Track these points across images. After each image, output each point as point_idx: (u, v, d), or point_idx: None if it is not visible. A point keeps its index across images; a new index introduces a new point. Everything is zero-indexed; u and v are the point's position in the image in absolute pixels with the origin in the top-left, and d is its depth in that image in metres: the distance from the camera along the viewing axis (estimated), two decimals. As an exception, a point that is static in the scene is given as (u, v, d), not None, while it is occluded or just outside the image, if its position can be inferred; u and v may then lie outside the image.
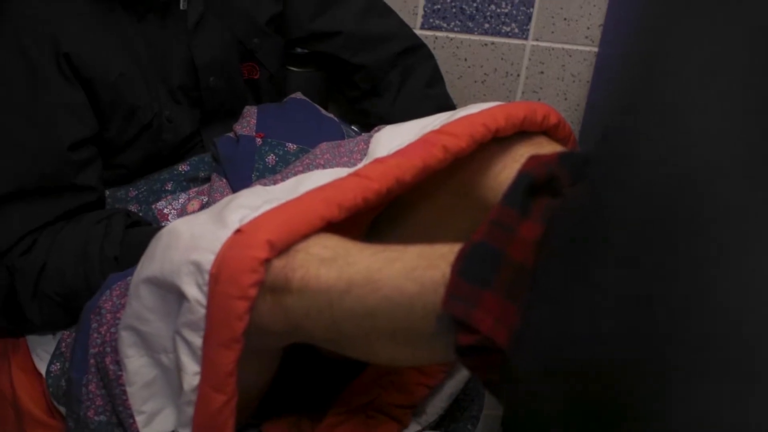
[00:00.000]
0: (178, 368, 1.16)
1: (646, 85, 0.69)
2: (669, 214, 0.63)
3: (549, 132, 1.30)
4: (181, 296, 1.13)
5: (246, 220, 1.12)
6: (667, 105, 0.66)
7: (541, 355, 0.77)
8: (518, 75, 2.11)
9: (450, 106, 1.89)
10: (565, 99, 2.13)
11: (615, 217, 0.69)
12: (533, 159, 1.02)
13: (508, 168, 1.23)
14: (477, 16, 2.06)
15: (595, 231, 0.72)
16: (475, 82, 2.12)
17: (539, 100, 2.12)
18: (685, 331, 0.61)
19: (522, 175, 0.99)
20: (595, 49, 2.09)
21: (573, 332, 0.71)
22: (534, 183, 0.99)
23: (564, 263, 0.79)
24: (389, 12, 1.89)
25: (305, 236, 1.10)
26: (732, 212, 0.60)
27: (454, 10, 2.05)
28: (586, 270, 0.72)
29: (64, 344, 1.43)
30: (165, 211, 1.58)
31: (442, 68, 1.94)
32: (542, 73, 2.11)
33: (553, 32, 2.08)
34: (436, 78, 1.90)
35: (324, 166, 1.39)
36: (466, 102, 2.09)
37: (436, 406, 1.47)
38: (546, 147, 1.26)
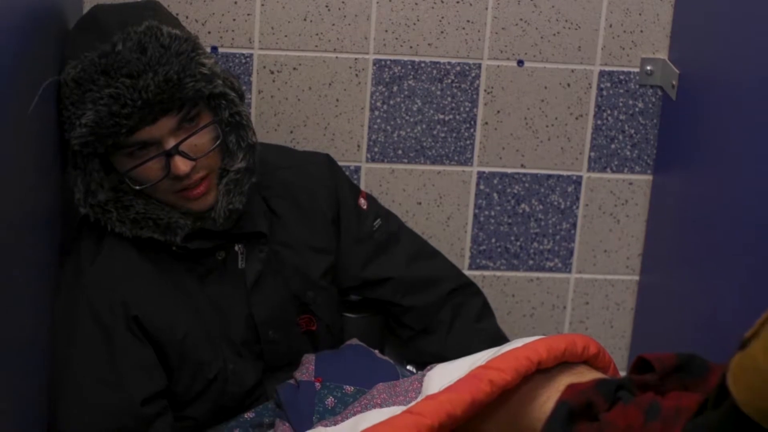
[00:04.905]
0: None
1: None
2: None
3: (590, 361, 1.37)
4: None
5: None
6: None
7: None
8: (564, 307, 2.20)
9: (501, 337, 1.96)
10: (612, 327, 2.21)
11: None
12: (571, 387, 1.09)
13: (552, 399, 1.30)
14: (521, 254, 2.17)
15: None
16: (524, 316, 2.20)
17: (586, 329, 2.20)
18: None
19: (561, 403, 1.07)
20: (637, 278, 2.18)
21: None
22: (573, 410, 1.06)
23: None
24: (436, 254, 1.99)
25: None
26: None
27: (499, 249, 2.17)
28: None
29: None
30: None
31: (492, 305, 2.02)
32: (587, 303, 2.20)
33: (594, 264, 2.18)
34: (485, 313, 1.98)
35: (381, 406, 1.47)
36: (517, 336, 2.17)
37: None
38: (587, 376, 1.33)
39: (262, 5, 1.99)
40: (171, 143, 1.60)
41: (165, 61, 1.56)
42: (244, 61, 2.01)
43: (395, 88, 2.05)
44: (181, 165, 1.60)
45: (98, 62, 1.56)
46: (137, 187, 1.63)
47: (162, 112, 1.57)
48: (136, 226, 1.64)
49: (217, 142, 1.64)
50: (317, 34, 2.01)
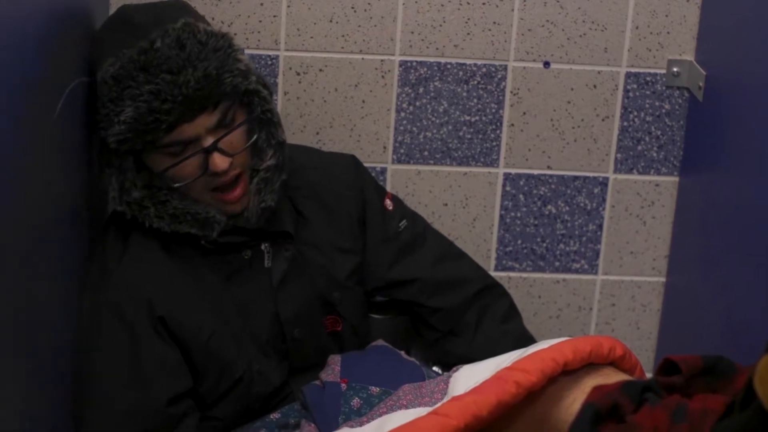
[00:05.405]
0: None
1: None
2: None
3: (616, 363, 1.36)
4: None
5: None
6: None
7: None
8: (591, 309, 2.19)
9: (528, 338, 1.95)
10: (638, 329, 2.20)
11: None
12: (597, 389, 1.09)
13: (578, 400, 1.29)
14: (547, 256, 2.17)
15: None
16: (550, 317, 2.20)
17: (612, 331, 2.19)
18: None
19: (587, 405, 1.06)
20: (663, 279, 2.18)
21: None
22: (599, 412, 1.05)
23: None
24: (462, 256, 1.99)
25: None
26: None
27: (525, 251, 2.16)
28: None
29: None
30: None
31: (518, 306, 2.02)
32: (613, 305, 2.20)
33: (621, 266, 2.18)
34: (511, 314, 1.97)
35: (407, 407, 1.47)
36: (543, 337, 2.17)
37: None
38: (613, 378, 1.32)
39: (288, 7, 1.99)
40: (209, 141, 1.61)
41: (204, 57, 1.58)
42: (270, 62, 2.02)
43: (421, 90, 2.05)
44: (219, 162, 1.61)
45: (137, 59, 1.57)
46: (175, 185, 1.63)
47: (200, 108, 1.59)
48: (175, 221, 1.65)
49: (253, 138, 1.66)
50: (343, 36, 2.02)
